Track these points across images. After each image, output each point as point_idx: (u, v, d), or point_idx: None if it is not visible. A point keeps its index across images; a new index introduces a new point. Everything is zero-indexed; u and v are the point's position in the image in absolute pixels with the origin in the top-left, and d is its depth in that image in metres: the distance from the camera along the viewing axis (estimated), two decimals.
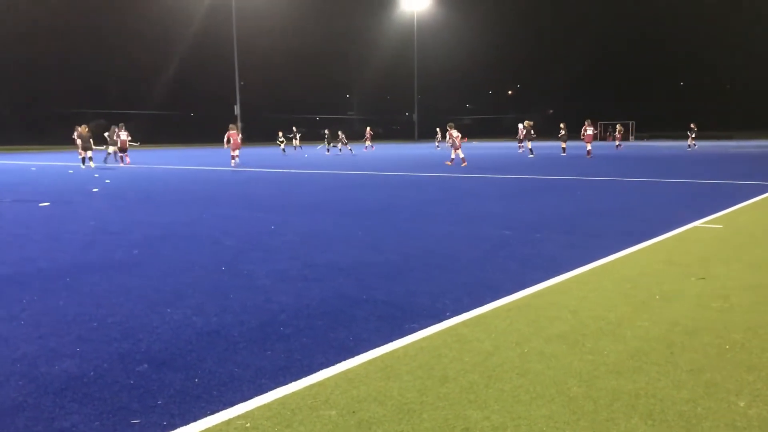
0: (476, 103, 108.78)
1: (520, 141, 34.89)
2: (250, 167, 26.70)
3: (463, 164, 25.13)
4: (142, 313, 5.11)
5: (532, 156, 33.07)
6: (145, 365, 3.98)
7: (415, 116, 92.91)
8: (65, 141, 43.90)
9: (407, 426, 3.13)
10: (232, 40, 66.43)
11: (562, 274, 6.30)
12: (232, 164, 27.45)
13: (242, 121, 69.45)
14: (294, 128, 46.55)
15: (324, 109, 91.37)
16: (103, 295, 5.66)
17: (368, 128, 52.22)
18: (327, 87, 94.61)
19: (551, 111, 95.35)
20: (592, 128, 34.03)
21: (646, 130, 78.23)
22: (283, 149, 42.65)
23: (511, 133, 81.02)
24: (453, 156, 26.64)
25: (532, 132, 34.35)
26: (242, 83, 69.96)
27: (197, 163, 30.94)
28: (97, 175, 22.08)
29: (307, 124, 68.04)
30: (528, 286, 5.80)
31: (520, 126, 35.75)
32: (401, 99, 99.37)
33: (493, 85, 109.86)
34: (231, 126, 28.63)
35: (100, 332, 4.63)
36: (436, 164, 26.94)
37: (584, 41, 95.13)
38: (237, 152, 27.89)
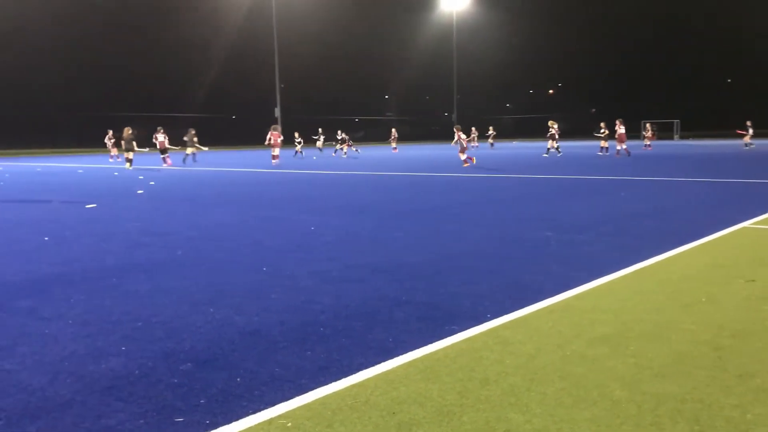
0: (516, 102, 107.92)
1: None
2: (289, 169, 26.94)
3: (465, 164, 25.57)
4: (185, 312, 5.19)
5: (546, 155, 33.42)
6: (189, 364, 4.04)
7: (454, 116, 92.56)
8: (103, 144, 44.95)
9: (447, 428, 3.12)
10: (273, 43, 67.10)
11: (604, 275, 6.20)
12: (273, 162, 29.73)
13: (282, 123, 70.11)
14: (320, 130, 46.04)
15: (363, 111, 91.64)
16: (147, 295, 5.77)
17: (393, 129, 51.73)
18: (366, 88, 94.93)
19: (594, 110, 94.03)
20: (623, 127, 33.55)
21: (692, 129, 76.58)
22: (301, 151, 42.03)
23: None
24: (464, 157, 26.57)
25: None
26: (282, 86, 70.62)
27: (238, 165, 31.33)
28: (141, 177, 22.53)
29: (347, 125, 68.30)
30: (570, 288, 5.73)
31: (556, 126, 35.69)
32: (440, 99, 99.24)
33: (533, 84, 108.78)
34: (273, 126, 30.69)
35: (145, 331, 4.72)
36: (474, 165, 26.78)
37: (628, 38, 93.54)
38: (277, 151, 30.41)
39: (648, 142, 43.92)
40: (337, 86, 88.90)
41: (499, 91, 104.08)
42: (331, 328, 4.71)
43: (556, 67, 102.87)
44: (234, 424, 3.20)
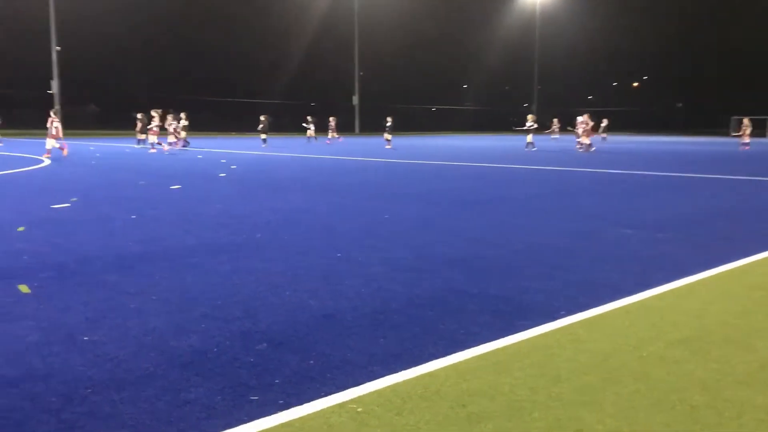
0: (598, 94, 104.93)
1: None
2: (355, 156, 27.11)
3: (152, 150, 26.51)
4: (262, 294, 5.33)
5: (534, 149, 33.17)
6: (264, 344, 4.15)
7: (533, 107, 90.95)
8: (195, 127, 46.32)
9: (518, 423, 3.10)
10: (353, 30, 67.55)
11: (686, 276, 5.98)
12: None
13: (360, 110, 70.69)
14: (309, 118, 42.82)
15: (441, 100, 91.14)
16: (227, 276, 5.94)
17: (331, 118, 43.46)
18: (444, 77, 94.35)
19: (680, 104, 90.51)
20: (590, 122, 33.33)
21: None
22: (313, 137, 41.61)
23: (633, 126, 77.73)
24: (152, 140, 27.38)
25: (535, 124, 35.67)
26: (361, 73, 71.06)
27: (316, 152, 31.74)
28: (223, 161, 23.15)
29: (423, 114, 68.10)
30: (649, 288, 5.56)
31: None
32: (520, 90, 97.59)
33: (617, 76, 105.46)
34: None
35: (224, 310, 4.87)
36: (551, 157, 26.28)
37: (718, 30, 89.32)
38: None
39: (745, 141, 40.00)
40: (416, 75, 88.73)
41: (581, 83, 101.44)
42: (402, 317, 4.74)
43: (642, 58, 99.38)
44: (306, 405, 3.27)
